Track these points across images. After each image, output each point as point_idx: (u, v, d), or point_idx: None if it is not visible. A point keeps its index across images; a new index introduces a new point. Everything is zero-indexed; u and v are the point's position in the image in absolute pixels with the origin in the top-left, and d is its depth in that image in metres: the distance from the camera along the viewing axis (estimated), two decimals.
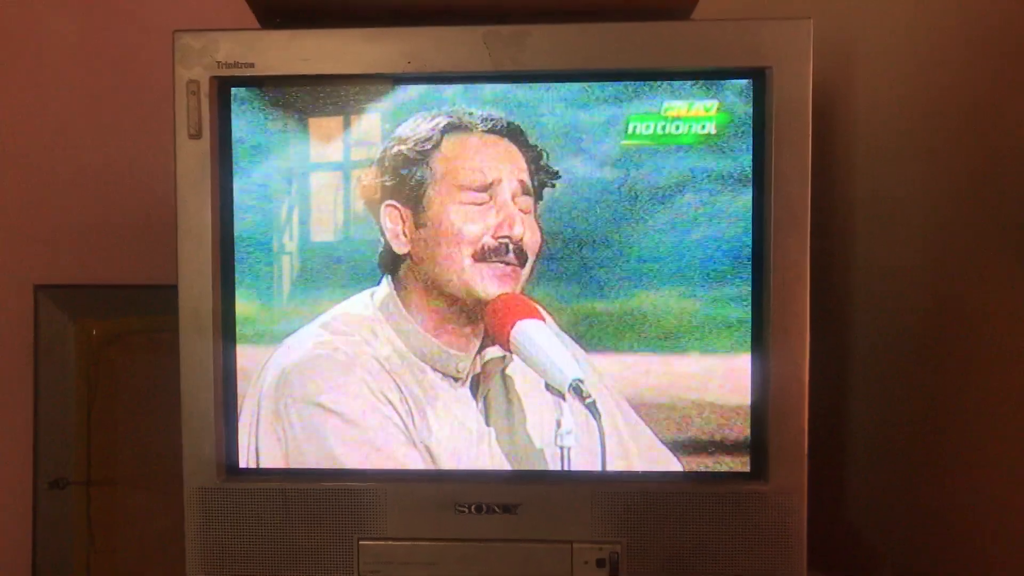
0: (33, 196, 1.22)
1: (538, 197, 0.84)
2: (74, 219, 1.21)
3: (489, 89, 0.84)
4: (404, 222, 0.85)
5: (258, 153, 0.85)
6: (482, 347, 0.87)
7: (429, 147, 0.84)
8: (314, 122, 0.85)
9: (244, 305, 0.87)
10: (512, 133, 0.84)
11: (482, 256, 0.85)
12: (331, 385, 0.86)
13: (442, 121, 0.84)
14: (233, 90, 0.85)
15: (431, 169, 0.85)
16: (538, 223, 0.85)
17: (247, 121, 0.85)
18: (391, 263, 0.86)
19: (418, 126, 0.85)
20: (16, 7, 1.21)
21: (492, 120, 0.84)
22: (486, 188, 0.84)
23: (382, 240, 0.86)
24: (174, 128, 0.84)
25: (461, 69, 0.83)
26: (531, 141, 0.84)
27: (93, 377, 1.13)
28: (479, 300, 0.85)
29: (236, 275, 0.86)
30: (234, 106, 0.85)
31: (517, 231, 0.84)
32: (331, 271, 0.86)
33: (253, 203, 0.86)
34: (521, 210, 0.84)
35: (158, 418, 1.04)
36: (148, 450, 1.11)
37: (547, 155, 0.84)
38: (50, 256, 1.21)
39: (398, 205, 0.85)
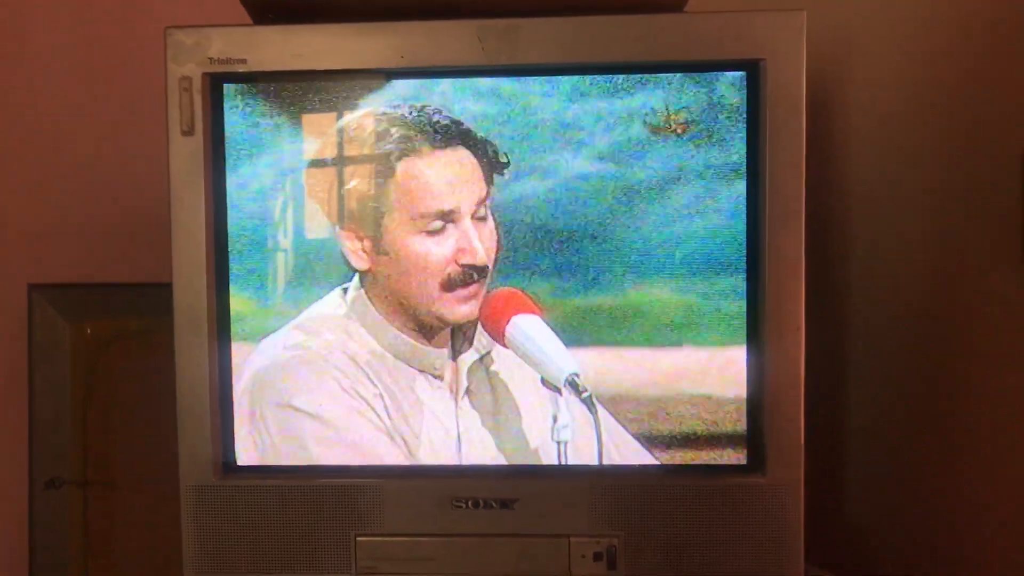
0: (27, 195, 1.22)
1: (489, 186, 0.84)
2: (68, 218, 1.21)
3: (477, 83, 0.83)
4: (362, 241, 0.85)
5: (251, 149, 0.85)
6: (456, 342, 0.86)
7: (384, 179, 0.84)
8: (307, 118, 0.85)
9: (239, 302, 0.86)
10: (463, 136, 0.83)
11: (448, 286, 0.84)
12: (304, 387, 0.86)
13: (393, 149, 0.83)
14: (225, 86, 0.84)
15: (387, 198, 0.84)
16: (494, 219, 0.84)
17: (240, 117, 0.85)
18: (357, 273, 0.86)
19: (368, 150, 0.84)
20: (8, 5, 1.21)
21: (442, 131, 0.83)
22: (444, 216, 0.84)
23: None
24: (167, 125, 0.83)
25: (455, 63, 0.83)
26: (479, 135, 0.83)
27: (88, 376, 1.13)
28: (448, 323, 0.85)
29: (231, 272, 0.86)
30: (227, 102, 0.85)
31: (480, 258, 0.84)
32: (323, 267, 0.86)
33: (246, 199, 0.86)
34: (478, 219, 0.84)
35: (154, 417, 1.04)
36: (144, 449, 1.11)
37: (498, 150, 0.83)
38: (44, 255, 1.21)
39: (355, 228, 0.85)
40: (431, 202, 0.84)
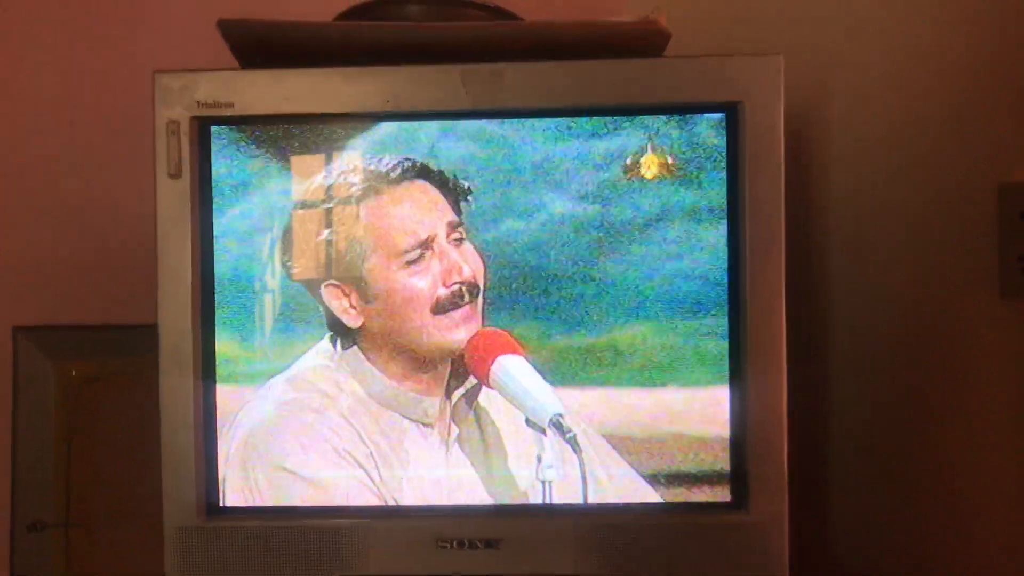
0: (11, 236, 1.22)
1: (458, 213, 0.85)
2: (53, 259, 1.21)
3: (461, 126, 0.84)
4: (349, 296, 0.85)
5: (238, 192, 0.86)
6: (450, 387, 0.87)
7: (352, 226, 0.85)
8: (294, 161, 0.86)
9: (224, 344, 0.86)
10: (418, 171, 0.84)
11: (440, 308, 0.85)
12: (296, 448, 0.86)
13: (354, 194, 0.85)
14: (213, 129, 0.85)
15: (361, 243, 0.85)
16: (476, 248, 0.85)
17: (227, 160, 0.85)
18: (343, 331, 0.86)
19: (336, 203, 0.85)
20: None
21: (393, 169, 0.84)
22: (423, 245, 0.85)
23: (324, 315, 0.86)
24: (154, 167, 0.84)
25: (440, 107, 0.84)
26: (435, 168, 0.84)
27: (72, 418, 1.12)
28: (448, 350, 0.86)
29: (216, 314, 0.86)
30: (214, 145, 0.85)
31: (466, 273, 0.84)
32: (311, 310, 0.86)
33: (233, 242, 0.86)
34: (455, 241, 0.85)
35: (138, 459, 1.03)
36: (128, 491, 1.10)
37: (453, 176, 0.84)
38: (29, 297, 1.21)
39: (339, 283, 0.85)
40: (406, 236, 0.85)
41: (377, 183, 0.85)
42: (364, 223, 0.85)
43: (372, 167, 0.85)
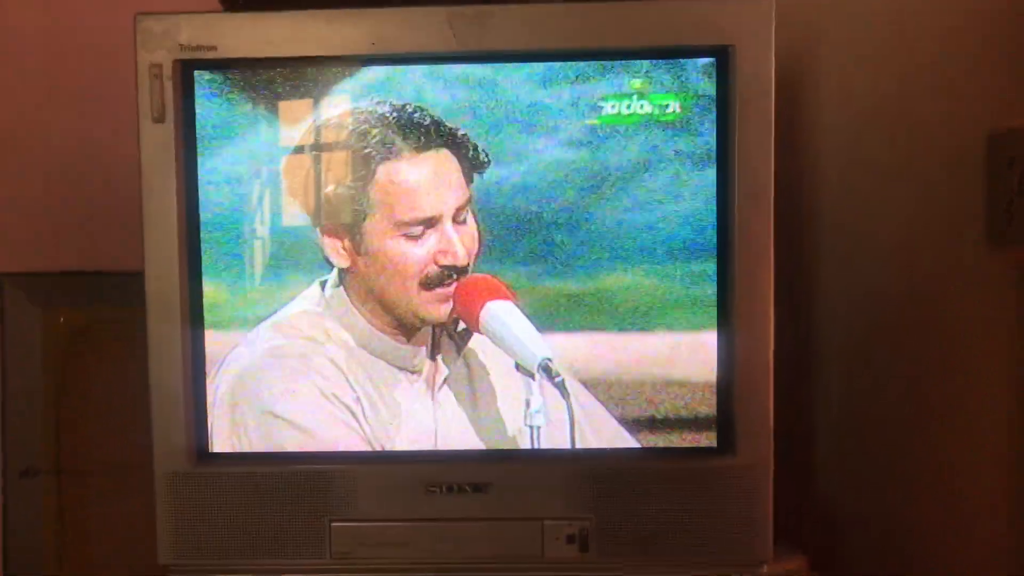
0: None
1: (469, 183, 0.84)
2: (40, 205, 1.20)
3: (448, 70, 0.83)
4: (342, 240, 0.85)
5: (222, 136, 0.85)
6: (435, 339, 0.87)
7: (364, 182, 0.84)
8: (280, 106, 0.85)
9: (211, 290, 0.86)
10: (445, 137, 0.83)
11: (427, 284, 0.84)
12: (284, 393, 0.86)
13: (374, 152, 0.83)
14: (196, 73, 0.84)
15: (368, 200, 0.84)
16: (476, 220, 0.84)
17: (210, 104, 0.84)
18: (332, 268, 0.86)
19: (347, 149, 0.84)
20: None
21: (423, 132, 0.83)
22: (426, 223, 0.84)
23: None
24: (138, 112, 0.83)
25: (426, 50, 0.83)
26: (461, 134, 0.83)
27: (62, 365, 1.12)
28: (430, 321, 0.85)
29: (203, 259, 0.86)
30: (197, 89, 0.84)
31: (460, 257, 0.84)
32: (298, 256, 0.86)
33: (219, 187, 0.85)
34: (458, 223, 0.84)
35: (128, 405, 1.04)
36: (119, 437, 1.10)
37: (480, 149, 0.83)
38: (16, 243, 1.20)
39: (334, 227, 0.85)
40: (413, 210, 0.84)
41: (401, 145, 0.83)
42: (377, 182, 0.83)
43: (395, 122, 0.83)
